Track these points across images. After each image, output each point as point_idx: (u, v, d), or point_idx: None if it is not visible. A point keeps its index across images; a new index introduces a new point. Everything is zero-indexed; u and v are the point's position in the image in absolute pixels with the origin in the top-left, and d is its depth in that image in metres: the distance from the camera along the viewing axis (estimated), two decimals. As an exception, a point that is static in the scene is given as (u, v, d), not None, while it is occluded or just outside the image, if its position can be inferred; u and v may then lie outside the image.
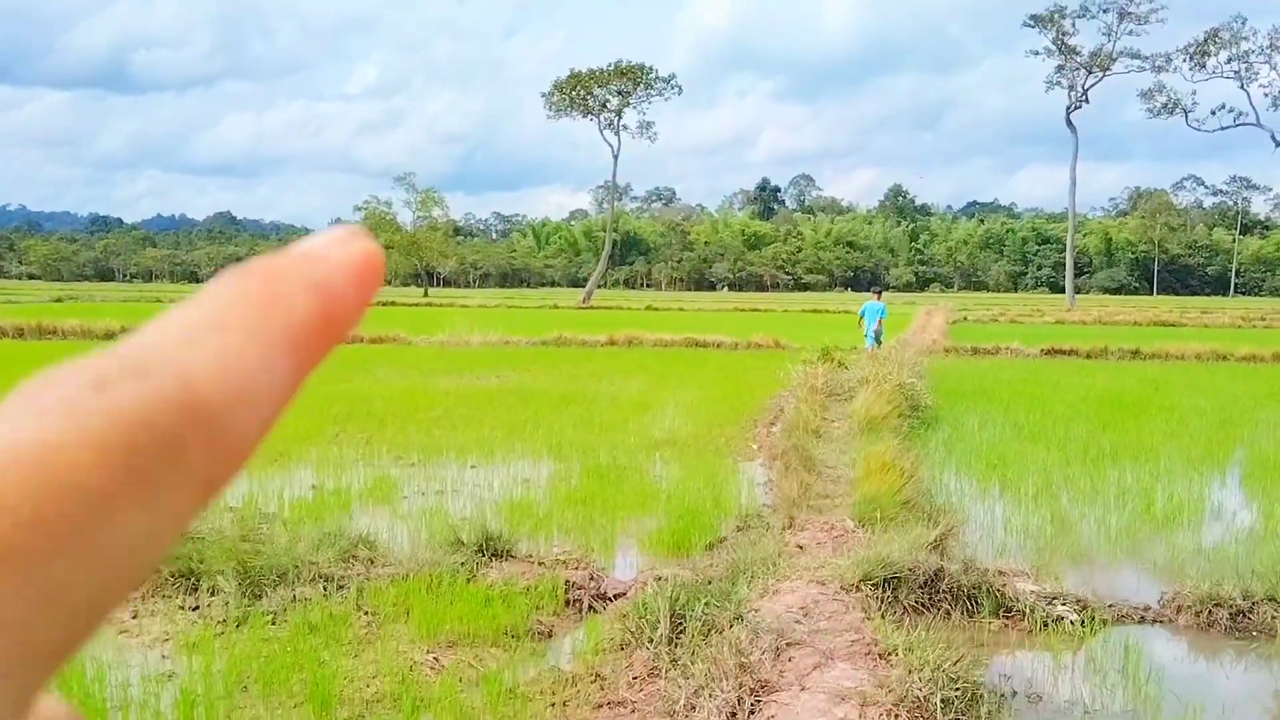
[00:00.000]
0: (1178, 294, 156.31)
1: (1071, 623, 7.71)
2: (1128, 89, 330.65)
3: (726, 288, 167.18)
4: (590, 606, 7.98)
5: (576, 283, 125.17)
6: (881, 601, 7.64)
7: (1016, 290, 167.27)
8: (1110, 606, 8.12)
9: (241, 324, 0.33)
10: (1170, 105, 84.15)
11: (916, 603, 7.89)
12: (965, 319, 59.59)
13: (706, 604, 7.03)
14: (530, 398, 20.39)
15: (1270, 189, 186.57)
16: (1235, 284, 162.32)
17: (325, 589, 7.85)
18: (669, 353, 33.02)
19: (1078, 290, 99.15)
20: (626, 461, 14.07)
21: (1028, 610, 7.85)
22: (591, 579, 8.42)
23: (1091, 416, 19.20)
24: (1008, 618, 7.89)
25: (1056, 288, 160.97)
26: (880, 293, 31.12)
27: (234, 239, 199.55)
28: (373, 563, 8.53)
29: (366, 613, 7.48)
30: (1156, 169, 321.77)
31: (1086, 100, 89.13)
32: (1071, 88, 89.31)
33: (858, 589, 7.68)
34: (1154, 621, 8.08)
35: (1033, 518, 11.18)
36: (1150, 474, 13.88)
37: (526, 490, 12.04)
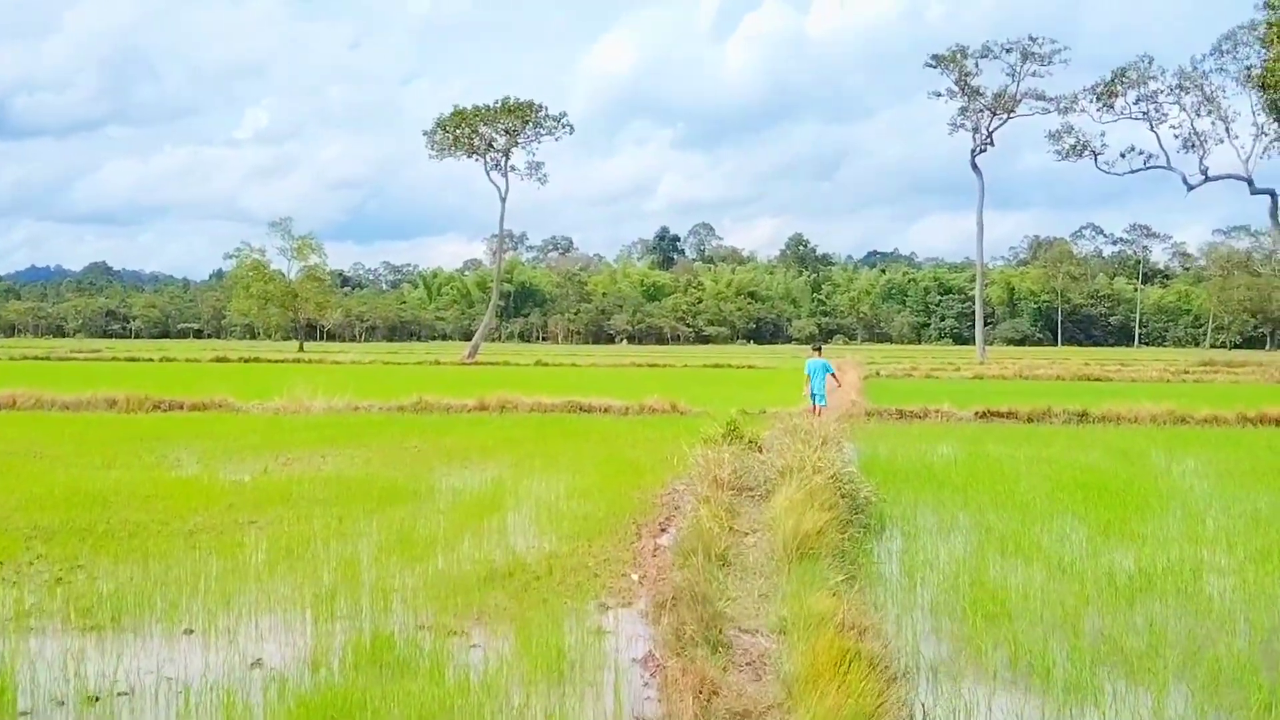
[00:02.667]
0: (1081, 344, 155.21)
1: None
2: (1027, 137, 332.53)
3: (625, 340, 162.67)
4: None
5: (469, 335, 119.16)
6: None
7: (920, 341, 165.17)
8: None
9: None
10: (1079, 147, 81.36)
11: None
12: (878, 374, 55.63)
13: None
14: (341, 495, 15.31)
15: (1170, 236, 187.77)
16: (1139, 334, 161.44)
17: None
18: (547, 420, 28.07)
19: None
20: (431, 617, 9.14)
21: None
22: None
23: (1079, 511, 14.64)
24: None
25: (960, 338, 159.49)
26: (819, 348, 28.30)
27: (104, 290, 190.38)
28: None
29: None
30: (1055, 217, 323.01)
31: (991, 143, 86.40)
32: (976, 129, 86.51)
33: None
34: None
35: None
36: (1216, 625, 9.24)
37: (228, 704, 6.99)
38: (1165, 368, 64.10)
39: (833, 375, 27.47)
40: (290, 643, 8.53)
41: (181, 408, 30.23)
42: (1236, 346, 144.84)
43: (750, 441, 17.94)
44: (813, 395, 26.26)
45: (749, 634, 8.37)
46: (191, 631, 8.83)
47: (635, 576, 10.82)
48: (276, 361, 70.78)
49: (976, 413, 29.93)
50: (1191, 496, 16.12)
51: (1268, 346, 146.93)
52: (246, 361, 70.97)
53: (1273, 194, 75.33)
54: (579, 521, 13.46)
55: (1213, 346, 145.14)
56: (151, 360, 70.40)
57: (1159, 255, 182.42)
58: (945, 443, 23.34)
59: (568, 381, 45.20)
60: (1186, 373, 59.46)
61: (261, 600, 9.68)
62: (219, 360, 71.20)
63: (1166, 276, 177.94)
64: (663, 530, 13.33)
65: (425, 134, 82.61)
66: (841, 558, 10.76)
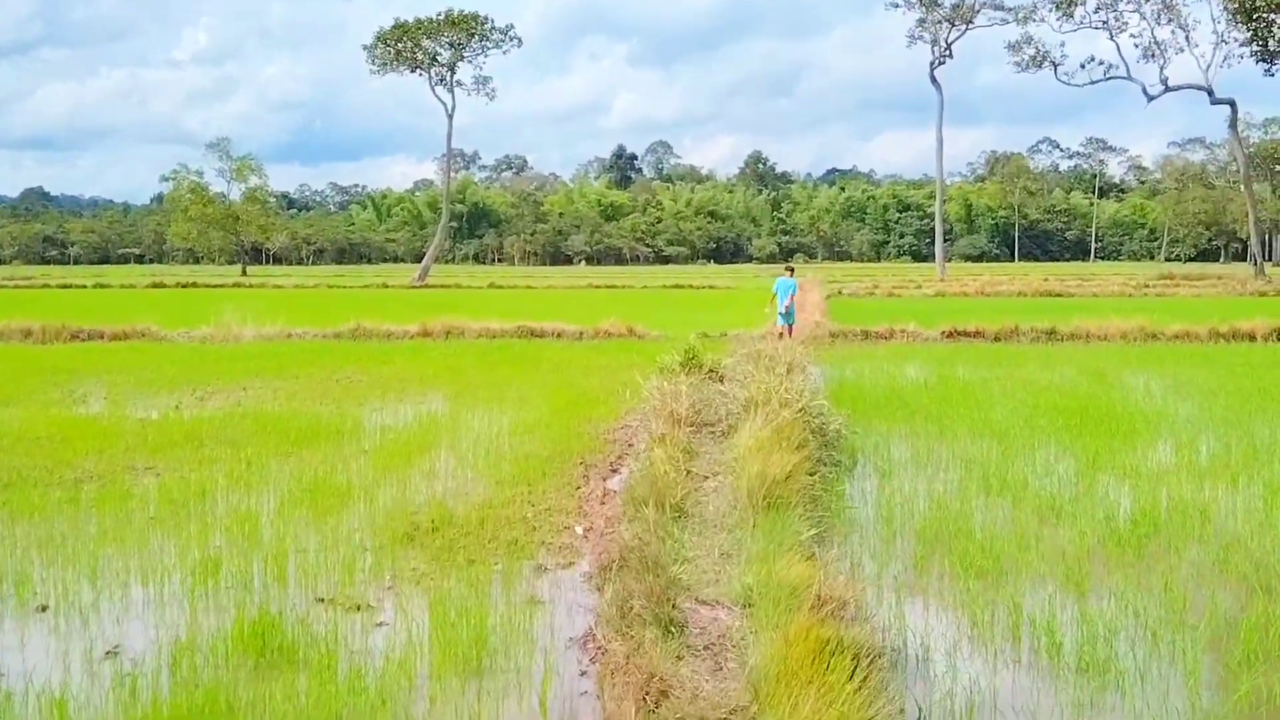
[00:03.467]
0: (1038, 259, 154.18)
1: None
2: (985, 51, 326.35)
3: (583, 261, 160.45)
4: None
5: (421, 257, 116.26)
6: None
7: (880, 259, 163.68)
8: None
9: None
10: (1038, 58, 79.35)
11: None
12: (840, 292, 54.35)
13: None
14: (256, 435, 13.87)
15: (1126, 150, 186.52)
16: (1095, 249, 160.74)
17: None
18: (494, 347, 26.60)
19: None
20: (334, 587, 7.88)
21: None
22: None
23: (1062, 440, 13.45)
24: None
25: (919, 255, 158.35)
26: (793, 269, 28.88)
27: (40, 216, 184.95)
28: None
29: None
30: (1011, 133, 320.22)
31: (950, 55, 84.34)
32: (934, 41, 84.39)
33: None
34: None
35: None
36: (1240, 582, 8.08)
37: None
38: (1126, 281, 63.06)
39: (792, 296, 27.04)
40: (162, 623, 7.20)
41: (102, 337, 28.60)
42: (1191, 259, 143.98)
43: (711, 370, 16.61)
44: (780, 313, 26.41)
45: (708, 606, 7.09)
46: (46, 609, 7.51)
47: (579, 530, 9.55)
48: (216, 287, 68.12)
49: (943, 332, 28.71)
50: (1178, 421, 14.93)
51: (1222, 259, 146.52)
52: (184, 287, 68.19)
53: (1232, 104, 74.14)
54: (520, 463, 12.12)
55: (1168, 259, 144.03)
56: (84, 287, 67.61)
57: (1115, 169, 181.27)
58: (913, 365, 22.14)
59: (521, 305, 43.72)
60: (1148, 286, 58.49)
61: (137, 567, 8.32)
62: (155, 286, 68.50)
63: (1122, 190, 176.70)
64: (614, 471, 12.07)
65: (365, 48, 79.58)
66: (813, 504, 9.50)
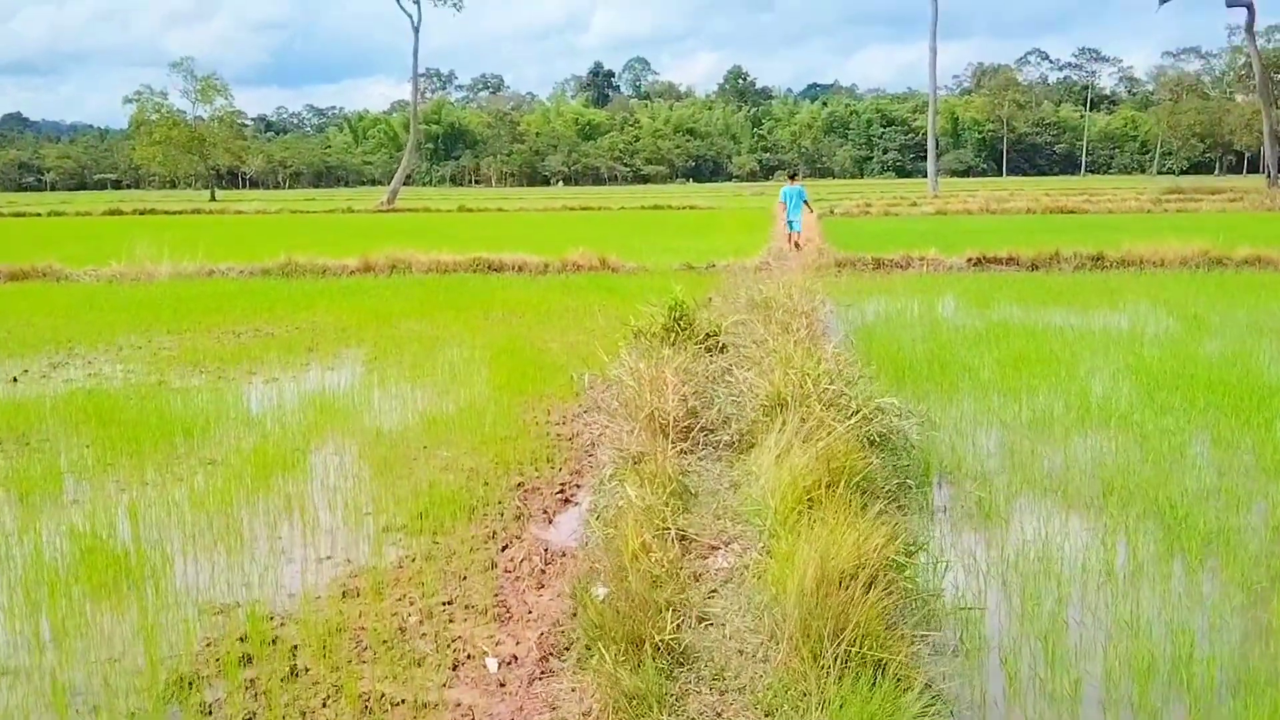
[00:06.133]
0: (1026, 174, 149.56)
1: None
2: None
3: (561, 182, 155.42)
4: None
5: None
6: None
7: (862, 175, 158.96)
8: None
9: None
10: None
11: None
12: (832, 212, 50.05)
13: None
14: (75, 432, 9.84)
15: (1120, 60, 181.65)
16: (1085, 162, 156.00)
17: None
18: (442, 285, 22.17)
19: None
20: None
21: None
22: None
23: (1217, 431, 9.29)
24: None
25: (903, 171, 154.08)
26: (795, 175, 30.62)
27: (15, 142, 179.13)
28: None
29: None
30: (997, 46, 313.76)
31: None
32: (927, -53, 79.10)
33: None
34: None
35: None
36: None
37: None
38: (1138, 196, 58.43)
39: (807, 203, 28.52)
40: None
41: (-3, 278, 25.07)
42: (1184, 172, 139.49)
43: (708, 335, 12.19)
44: (789, 222, 27.95)
45: None
46: None
47: (492, 665, 5.36)
48: (175, 213, 64.14)
49: (968, 260, 24.30)
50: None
51: (1217, 171, 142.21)
52: (142, 214, 64.46)
53: (1249, 6, 69.86)
54: (427, 492, 7.94)
55: (1160, 173, 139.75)
56: (39, 215, 63.36)
57: (1106, 81, 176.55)
58: (946, 303, 17.95)
59: (487, 231, 39.32)
60: (1166, 201, 53.93)
61: None
62: (112, 213, 64.85)
63: (1113, 102, 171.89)
64: (565, 501, 7.94)
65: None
66: (908, 615, 5.31)
